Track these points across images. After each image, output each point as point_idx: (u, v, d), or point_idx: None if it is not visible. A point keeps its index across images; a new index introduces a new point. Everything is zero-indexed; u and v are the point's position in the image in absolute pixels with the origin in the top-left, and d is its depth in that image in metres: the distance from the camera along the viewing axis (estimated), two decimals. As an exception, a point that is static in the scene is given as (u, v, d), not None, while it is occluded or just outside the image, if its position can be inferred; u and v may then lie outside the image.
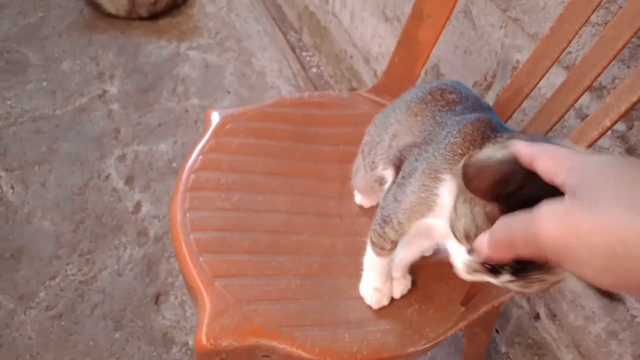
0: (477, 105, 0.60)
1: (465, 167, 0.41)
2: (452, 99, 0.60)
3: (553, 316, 0.92)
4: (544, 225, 0.31)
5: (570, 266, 0.30)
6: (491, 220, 0.40)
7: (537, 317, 0.96)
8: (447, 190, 0.51)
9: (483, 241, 0.38)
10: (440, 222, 0.52)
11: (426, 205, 0.54)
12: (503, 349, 1.06)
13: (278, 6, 1.93)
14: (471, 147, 0.52)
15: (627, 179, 0.30)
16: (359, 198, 0.76)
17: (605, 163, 0.32)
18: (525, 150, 0.37)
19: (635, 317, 0.77)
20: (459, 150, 0.52)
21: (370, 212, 0.74)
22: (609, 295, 0.45)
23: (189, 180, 0.73)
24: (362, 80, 1.45)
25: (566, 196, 0.32)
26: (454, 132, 0.54)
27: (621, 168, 0.31)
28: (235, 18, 1.90)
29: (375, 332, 0.62)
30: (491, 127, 0.53)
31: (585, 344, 0.86)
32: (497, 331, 1.07)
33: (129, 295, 1.13)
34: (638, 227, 0.27)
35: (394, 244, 0.61)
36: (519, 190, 0.39)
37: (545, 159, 0.35)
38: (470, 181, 0.41)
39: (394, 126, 0.64)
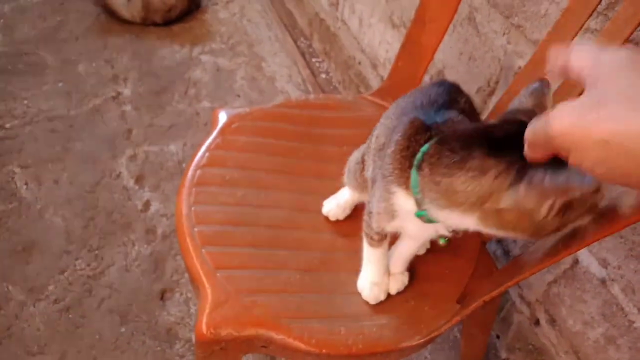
0: (434, 102, 0.59)
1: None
2: (421, 97, 0.60)
3: (552, 322, 0.92)
4: (556, 122, 0.33)
5: (573, 159, 0.32)
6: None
7: (537, 322, 0.97)
8: (402, 200, 0.53)
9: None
10: (409, 224, 0.54)
11: (389, 213, 0.57)
12: (503, 354, 1.06)
13: (289, 13, 1.96)
14: (402, 159, 0.52)
15: (635, 76, 0.31)
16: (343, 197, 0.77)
17: (621, 58, 0.33)
18: (556, 57, 0.38)
19: (633, 322, 0.77)
20: (396, 164, 0.53)
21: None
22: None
23: (195, 175, 0.75)
24: (369, 86, 1.47)
25: (583, 93, 0.34)
26: (393, 139, 0.55)
27: (634, 64, 0.32)
28: (247, 24, 1.94)
29: (371, 326, 0.64)
30: (421, 129, 0.53)
31: (584, 349, 0.86)
32: (497, 337, 1.07)
33: (136, 291, 1.15)
34: (633, 123, 0.29)
35: (380, 236, 0.63)
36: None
37: (575, 58, 0.36)
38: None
39: (378, 128, 0.65)
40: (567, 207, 0.43)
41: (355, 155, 0.73)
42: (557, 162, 0.38)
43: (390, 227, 0.60)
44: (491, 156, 0.44)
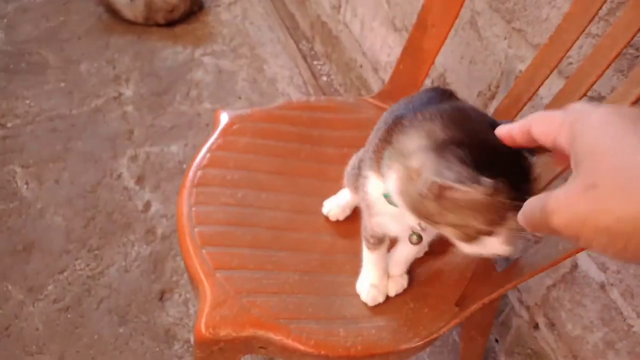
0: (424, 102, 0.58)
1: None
2: (412, 100, 0.59)
3: (552, 326, 0.92)
4: (554, 217, 0.32)
5: (586, 247, 0.32)
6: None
7: (536, 326, 0.97)
8: (373, 184, 0.55)
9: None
10: (385, 218, 0.57)
11: (367, 205, 0.58)
12: (503, 358, 1.06)
13: (291, 15, 1.97)
14: (380, 147, 0.53)
15: (623, 145, 0.29)
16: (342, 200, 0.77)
17: (602, 122, 0.31)
18: (516, 125, 0.38)
19: (632, 327, 0.77)
20: (374, 151, 0.55)
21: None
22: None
23: (196, 176, 0.76)
24: (371, 89, 1.48)
25: (570, 177, 0.32)
26: (377, 133, 0.57)
27: (618, 129, 0.30)
28: (249, 26, 1.94)
29: (370, 328, 0.64)
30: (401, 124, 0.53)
31: (583, 354, 0.86)
32: (496, 341, 1.07)
33: (135, 291, 1.15)
34: (630, 207, 0.28)
35: (376, 239, 0.63)
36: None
37: (538, 123, 0.36)
38: None
39: (377, 130, 0.65)
40: (442, 196, 0.43)
41: (353, 160, 0.73)
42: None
43: (377, 227, 0.61)
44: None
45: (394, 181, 0.49)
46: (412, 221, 0.55)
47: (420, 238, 0.57)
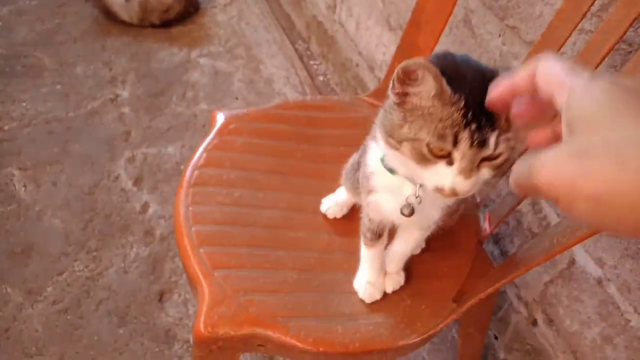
0: None
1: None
2: None
3: (550, 322, 0.93)
4: (540, 175, 0.32)
5: (562, 207, 0.32)
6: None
7: (534, 323, 0.97)
8: (374, 153, 0.57)
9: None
10: (382, 193, 0.58)
11: (367, 179, 0.60)
12: (502, 355, 1.07)
13: (287, 16, 1.97)
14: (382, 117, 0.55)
15: (622, 119, 0.30)
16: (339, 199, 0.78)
17: (603, 93, 0.31)
18: (522, 70, 0.37)
19: (629, 321, 0.78)
20: (376, 122, 0.56)
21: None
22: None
23: (193, 176, 0.76)
24: (367, 88, 1.48)
25: (562, 140, 0.33)
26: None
27: (619, 102, 0.30)
28: (245, 27, 1.95)
29: (368, 324, 0.64)
30: None
31: (581, 349, 0.87)
32: (495, 337, 1.08)
33: (134, 292, 1.16)
34: (623, 178, 0.28)
35: (373, 233, 0.63)
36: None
37: (547, 69, 0.35)
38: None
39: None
40: (404, 96, 0.46)
41: (353, 158, 0.74)
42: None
43: (374, 212, 0.62)
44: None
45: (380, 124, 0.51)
46: (407, 189, 0.56)
47: (412, 210, 0.57)
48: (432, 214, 0.60)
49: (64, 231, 1.25)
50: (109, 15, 1.84)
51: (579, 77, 0.33)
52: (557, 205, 0.32)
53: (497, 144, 0.45)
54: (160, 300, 1.15)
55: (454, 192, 0.47)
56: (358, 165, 0.69)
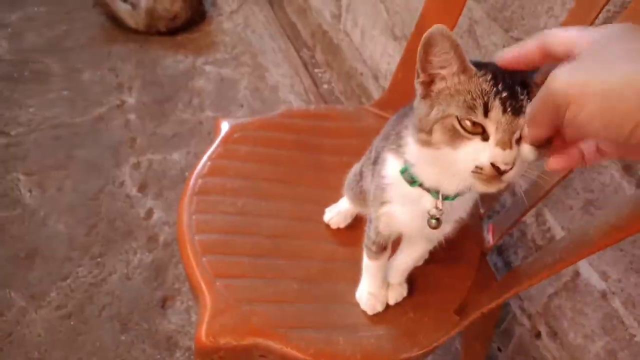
0: None
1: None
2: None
3: (554, 334, 0.92)
4: (556, 79, 0.35)
5: (571, 112, 0.34)
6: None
7: (538, 335, 0.96)
8: (391, 164, 0.56)
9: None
10: (397, 206, 0.57)
11: (380, 190, 0.58)
12: (505, 367, 1.06)
13: (293, 24, 1.98)
14: (398, 125, 0.57)
15: (626, 40, 0.34)
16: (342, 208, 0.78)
17: (611, 30, 0.36)
18: (529, 41, 0.41)
19: (634, 336, 0.77)
20: (391, 132, 0.57)
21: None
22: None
23: (197, 184, 0.76)
24: (371, 97, 1.48)
25: (577, 57, 0.36)
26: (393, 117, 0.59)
27: (624, 32, 0.35)
28: (251, 35, 1.96)
29: (370, 337, 0.64)
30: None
31: (585, 362, 0.86)
32: (499, 349, 1.07)
33: (137, 298, 1.16)
34: (632, 75, 0.32)
35: (379, 247, 0.63)
36: None
37: (556, 33, 0.39)
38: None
39: (375, 142, 0.66)
40: (429, 81, 0.47)
41: (355, 168, 0.74)
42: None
43: (385, 224, 0.61)
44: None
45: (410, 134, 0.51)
46: (425, 201, 0.54)
47: (438, 221, 0.54)
48: (445, 228, 0.58)
49: (68, 236, 1.26)
50: (116, 22, 1.86)
51: (589, 28, 0.38)
52: (567, 113, 0.34)
53: None
54: (162, 306, 1.15)
55: (496, 170, 0.43)
56: (360, 176, 0.69)
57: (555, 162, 0.42)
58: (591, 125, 0.34)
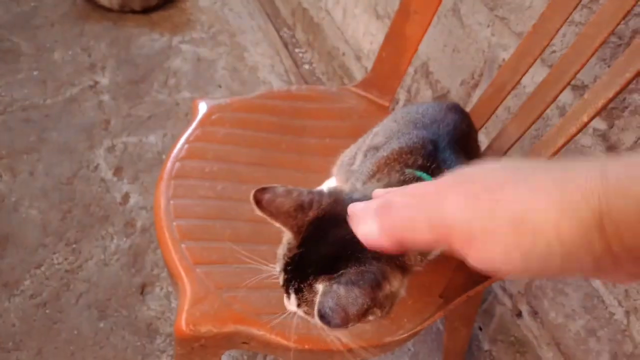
0: (449, 132, 0.60)
1: (261, 192, 0.44)
2: (424, 118, 0.61)
3: (534, 314, 0.93)
4: (448, 206, 0.30)
5: (478, 246, 0.29)
6: (289, 245, 0.43)
7: (519, 314, 0.97)
8: None
9: (371, 229, 0.34)
10: None
11: None
12: (486, 346, 1.07)
13: (272, 2, 1.93)
14: (388, 164, 0.55)
15: (506, 173, 0.30)
16: None
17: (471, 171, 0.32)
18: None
19: (614, 314, 0.78)
20: (379, 166, 0.56)
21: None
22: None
23: (174, 168, 0.73)
24: (353, 77, 1.46)
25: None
26: (392, 144, 0.57)
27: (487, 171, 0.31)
28: (228, 13, 1.90)
29: (354, 321, 0.63)
30: (425, 153, 0.54)
31: (565, 341, 0.87)
32: (480, 328, 1.08)
33: (115, 285, 1.13)
34: (538, 203, 0.27)
35: None
36: (315, 220, 0.42)
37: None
38: (268, 203, 0.45)
39: (379, 126, 0.65)
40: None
41: (351, 149, 0.72)
42: None
43: None
44: None
45: None
46: None
47: None
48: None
49: (41, 222, 1.21)
50: (88, 0, 1.78)
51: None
52: (470, 247, 0.30)
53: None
54: (141, 293, 1.13)
55: None
56: (354, 159, 0.68)
57: None
58: (510, 263, 0.28)
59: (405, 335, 0.63)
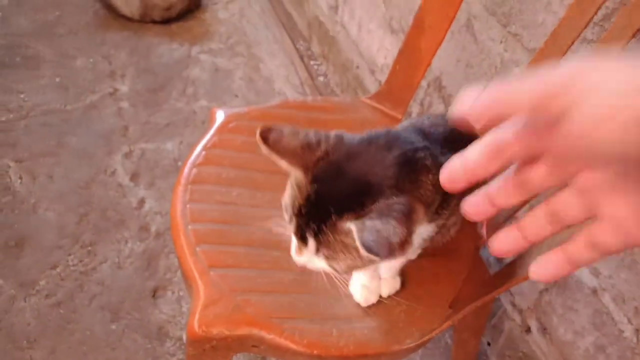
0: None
1: (267, 130, 0.45)
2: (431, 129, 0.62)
3: (544, 330, 0.93)
4: (561, 68, 0.25)
5: (579, 116, 0.24)
6: (299, 187, 0.44)
7: (528, 330, 0.97)
8: None
9: (468, 96, 0.28)
10: None
11: None
12: (494, 361, 1.07)
13: (289, 14, 1.97)
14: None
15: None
16: None
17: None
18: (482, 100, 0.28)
19: (623, 331, 0.78)
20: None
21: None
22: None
23: (191, 173, 0.75)
24: (367, 90, 1.48)
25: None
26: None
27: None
28: (246, 24, 1.94)
29: (363, 328, 0.64)
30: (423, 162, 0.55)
31: (574, 358, 0.87)
32: (488, 344, 1.08)
33: (128, 288, 1.15)
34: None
35: None
36: (324, 158, 0.43)
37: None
38: (275, 142, 0.45)
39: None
40: None
41: None
42: None
43: None
44: None
45: None
46: None
47: None
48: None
49: (58, 224, 1.24)
50: (110, 10, 1.83)
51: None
52: (565, 123, 0.25)
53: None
54: (153, 296, 1.15)
55: None
56: None
57: (541, 271, 0.31)
58: (599, 136, 0.23)
59: (413, 344, 0.64)
